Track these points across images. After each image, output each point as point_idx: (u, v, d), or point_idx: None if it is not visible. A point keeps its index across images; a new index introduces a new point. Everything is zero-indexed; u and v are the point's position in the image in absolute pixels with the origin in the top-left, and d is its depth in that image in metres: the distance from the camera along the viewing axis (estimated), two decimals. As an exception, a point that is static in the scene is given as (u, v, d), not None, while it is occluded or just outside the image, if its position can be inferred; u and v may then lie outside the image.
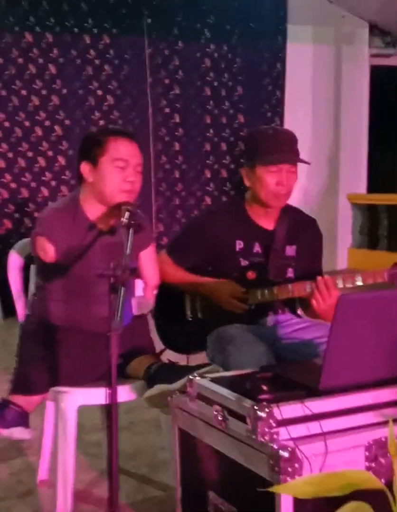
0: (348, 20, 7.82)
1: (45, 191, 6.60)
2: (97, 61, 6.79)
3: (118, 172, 2.52)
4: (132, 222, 2.26)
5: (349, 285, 2.58)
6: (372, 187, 8.31)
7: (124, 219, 2.28)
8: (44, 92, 6.56)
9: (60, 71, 6.62)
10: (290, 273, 2.80)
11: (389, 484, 1.50)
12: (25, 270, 2.93)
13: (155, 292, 2.87)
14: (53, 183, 6.62)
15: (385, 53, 8.19)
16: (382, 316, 1.98)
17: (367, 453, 1.88)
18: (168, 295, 2.89)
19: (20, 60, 6.45)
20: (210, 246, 2.78)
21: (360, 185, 8.24)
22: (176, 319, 2.88)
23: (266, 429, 1.82)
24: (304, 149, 2.79)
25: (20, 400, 2.55)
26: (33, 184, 6.55)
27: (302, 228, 2.85)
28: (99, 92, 6.81)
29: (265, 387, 1.97)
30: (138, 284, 2.85)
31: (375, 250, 7.94)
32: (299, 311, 2.88)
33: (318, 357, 2.47)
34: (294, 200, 2.85)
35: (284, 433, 1.83)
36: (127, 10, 6.84)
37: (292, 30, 7.58)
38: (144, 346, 2.71)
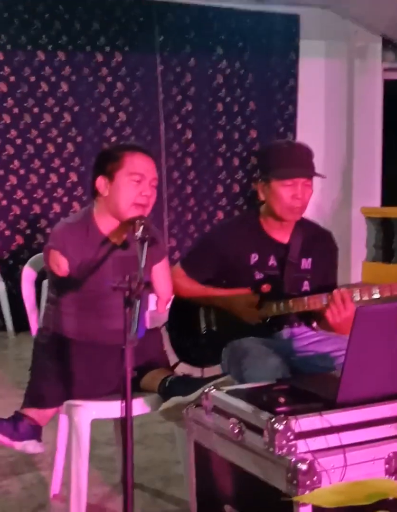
0: (361, 34, 7.84)
1: (57, 207, 6.62)
2: (109, 79, 6.83)
3: (134, 186, 2.53)
4: (146, 236, 2.27)
5: (365, 298, 2.55)
6: (386, 200, 8.29)
7: (138, 233, 2.29)
8: (56, 109, 6.59)
9: (72, 88, 6.66)
10: (306, 286, 2.79)
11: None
12: (37, 285, 2.93)
13: (168, 306, 2.86)
14: (65, 199, 6.65)
15: (397, 67, 8.21)
16: (400, 327, 1.96)
17: (387, 466, 1.86)
18: (182, 308, 2.88)
19: (33, 78, 6.49)
20: (225, 259, 2.77)
21: (374, 199, 8.22)
22: (190, 332, 2.87)
23: (284, 442, 1.80)
24: (317, 163, 2.78)
25: (34, 413, 2.55)
26: (45, 200, 6.57)
27: (318, 241, 2.84)
28: (112, 109, 6.84)
29: (282, 400, 1.95)
30: (151, 298, 2.84)
31: (389, 264, 7.90)
32: (314, 324, 2.86)
33: (333, 370, 2.45)
34: (308, 214, 2.83)
35: (302, 445, 1.81)
36: (139, 28, 6.90)
37: (304, 45, 7.63)
38: (158, 359, 2.70)
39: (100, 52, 6.78)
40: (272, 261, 2.77)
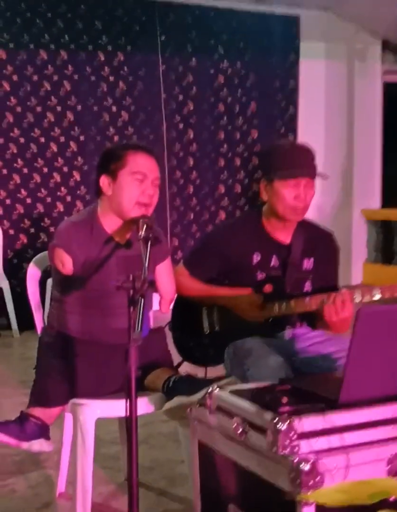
0: (361, 36, 7.85)
1: (60, 206, 6.63)
2: (111, 78, 6.84)
3: (137, 185, 2.55)
4: (149, 235, 2.28)
5: (367, 299, 2.57)
6: (386, 202, 8.30)
7: (141, 232, 2.30)
8: (59, 108, 6.60)
9: (75, 88, 6.67)
10: (307, 286, 2.81)
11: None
12: (41, 283, 2.95)
13: (171, 306, 2.88)
14: (68, 198, 6.66)
15: (397, 69, 8.22)
16: (402, 329, 1.98)
17: (389, 467, 1.87)
18: (186, 308, 2.90)
19: (35, 77, 6.50)
20: (227, 259, 2.79)
21: (374, 200, 8.23)
22: (194, 332, 2.89)
23: (287, 442, 1.81)
24: (318, 164, 2.80)
25: (39, 412, 2.56)
26: (48, 200, 6.59)
27: (319, 242, 2.86)
28: (114, 109, 6.86)
29: (285, 400, 1.97)
30: (154, 298, 2.86)
31: (390, 265, 7.92)
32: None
33: (335, 371, 2.47)
34: (308, 215, 2.85)
35: (304, 445, 1.82)
36: (141, 28, 6.91)
37: (304, 46, 7.65)
38: (161, 358, 2.72)
39: (102, 51, 6.79)
40: (274, 262, 2.79)
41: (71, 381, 2.56)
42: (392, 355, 1.98)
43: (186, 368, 2.78)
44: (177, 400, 2.41)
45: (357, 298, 2.56)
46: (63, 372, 2.57)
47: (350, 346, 1.91)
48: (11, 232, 6.47)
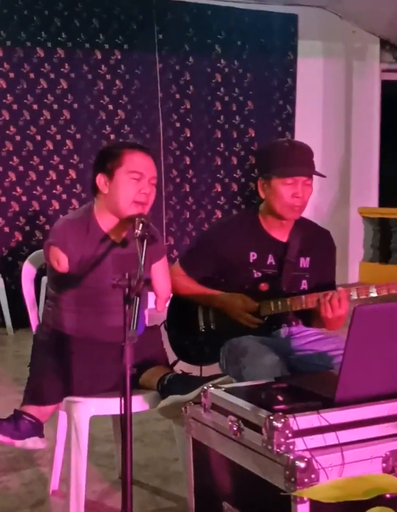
0: (359, 35, 7.87)
1: (56, 204, 6.63)
2: (108, 76, 6.84)
3: (133, 184, 2.54)
4: (146, 233, 2.28)
5: (363, 297, 2.58)
6: (383, 201, 8.32)
7: (138, 231, 2.29)
8: (55, 106, 6.60)
9: (72, 86, 6.67)
10: (304, 285, 2.80)
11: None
12: (36, 281, 2.94)
13: (166, 305, 2.87)
14: (64, 196, 6.66)
15: (395, 68, 8.22)
16: (398, 326, 1.98)
17: (384, 465, 1.87)
18: (181, 306, 2.89)
19: (32, 75, 6.50)
20: (223, 257, 2.78)
21: (371, 199, 8.25)
22: (189, 331, 2.88)
23: (282, 440, 1.81)
24: (315, 163, 2.80)
25: (33, 410, 2.55)
26: (44, 197, 6.59)
27: (316, 240, 2.85)
28: (110, 107, 6.85)
29: (280, 398, 1.97)
30: (150, 297, 2.85)
31: (386, 264, 7.93)
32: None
33: (331, 369, 2.47)
34: (305, 214, 2.85)
35: (300, 443, 1.82)
36: (138, 26, 6.91)
37: (302, 45, 7.65)
38: (157, 357, 2.71)
39: (99, 49, 6.79)
40: (271, 260, 2.79)
41: (65, 379, 2.55)
42: (388, 353, 1.98)
43: (181, 366, 2.77)
44: (171, 399, 2.41)
45: (354, 296, 2.57)
46: (57, 370, 2.56)
47: (346, 344, 1.91)
48: (6, 229, 6.47)
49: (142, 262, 2.17)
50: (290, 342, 2.78)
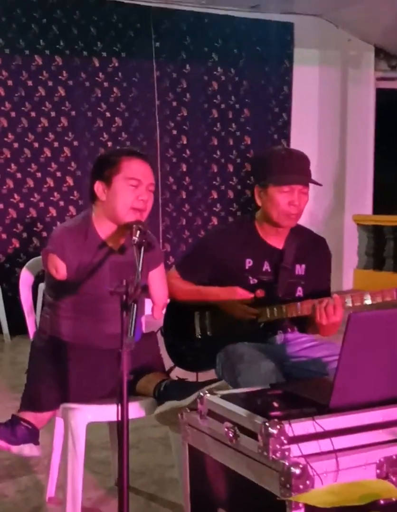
0: (354, 43, 7.91)
1: (53, 211, 6.64)
2: (106, 84, 6.87)
3: (131, 190, 2.56)
4: (143, 240, 2.29)
5: (357, 304, 2.59)
6: (378, 208, 8.34)
7: (135, 238, 2.30)
8: (53, 114, 6.62)
9: (69, 93, 6.69)
10: (299, 292, 2.81)
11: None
12: (33, 288, 2.95)
13: (163, 311, 2.88)
14: (61, 203, 6.67)
15: (390, 76, 8.27)
16: (393, 333, 1.99)
17: (378, 471, 1.87)
18: (178, 312, 2.90)
19: (30, 83, 6.52)
20: (219, 264, 2.79)
21: (366, 206, 8.27)
22: (186, 337, 2.89)
23: (278, 446, 1.81)
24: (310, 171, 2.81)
25: (30, 416, 2.56)
26: (41, 204, 6.60)
27: (312, 247, 2.87)
28: (108, 114, 6.88)
29: (276, 404, 1.98)
30: (147, 303, 2.86)
31: (381, 271, 7.94)
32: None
33: (326, 376, 2.48)
34: (301, 221, 2.86)
35: (295, 450, 1.83)
36: (135, 34, 6.94)
37: (298, 53, 7.68)
38: (153, 363, 2.72)
39: (97, 57, 6.82)
40: (266, 267, 2.80)
41: (62, 385, 2.56)
42: (383, 360, 1.99)
43: (178, 373, 2.78)
44: (168, 405, 2.42)
45: (348, 303, 2.59)
46: (54, 377, 2.57)
47: (341, 350, 1.92)
48: (4, 236, 6.47)
49: (140, 269, 2.17)
50: (285, 349, 2.79)
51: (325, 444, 1.86)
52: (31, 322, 2.87)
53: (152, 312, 2.77)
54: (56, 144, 6.62)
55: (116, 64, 6.89)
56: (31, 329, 2.85)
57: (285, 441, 1.82)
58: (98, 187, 2.59)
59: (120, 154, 2.65)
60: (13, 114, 6.45)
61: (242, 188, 7.50)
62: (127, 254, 2.55)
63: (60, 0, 6.61)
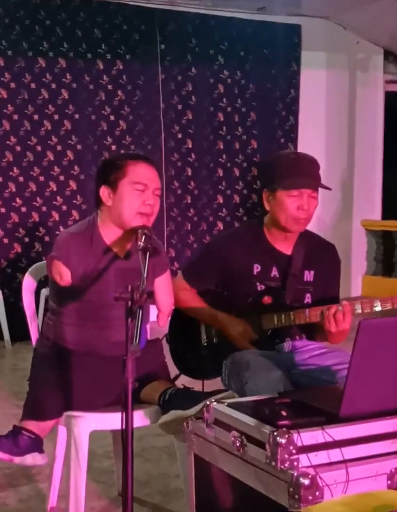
0: (362, 46, 7.87)
1: (55, 215, 6.60)
2: (110, 87, 6.84)
3: (137, 195, 2.52)
4: (148, 245, 2.26)
5: (367, 311, 2.56)
6: (387, 213, 8.29)
7: (140, 243, 2.28)
8: (56, 117, 6.59)
9: (73, 96, 6.66)
10: (308, 298, 2.78)
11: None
12: (36, 293, 2.91)
13: (168, 319, 2.84)
14: (64, 207, 6.63)
15: (399, 79, 8.23)
16: (404, 341, 1.95)
17: (389, 482, 1.84)
18: (183, 320, 2.86)
19: (33, 85, 6.49)
20: (226, 269, 2.76)
21: (374, 211, 8.22)
22: (191, 344, 2.86)
23: (286, 456, 1.78)
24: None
25: (33, 425, 2.52)
26: (44, 208, 6.56)
27: (320, 253, 2.83)
28: (112, 117, 6.84)
29: (284, 413, 1.94)
30: (152, 310, 2.82)
31: (390, 277, 7.89)
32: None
33: (335, 384, 2.44)
34: (308, 226, 2.82)
35: (304, 460, 1.79)
36: (140, 36, 6.91)
37: (306, 56, 7.65)
38: (158, 371, 2.68)
39: (101, 59, 6.78)
40: (274, 272, 2.76)
41: (66, 393, 2.52)
42: (393, 368, 1.95)
43: (183, 380, 2.74)
44: (172, 414, 2.38)
45: (358, 310, 2.56)
46: (58, 384, 2.53)
47: (351, 358, 1.89)
48: (6, 241, 6.42)
49: (145, 274, 2.14)
50: (293, 357, 2.75)
51: (334, 454, 1.83)
52: (34, 328, 2.83)
53: (157, 320, 2.73)
54: (59, 148, 6.58)
55: (121, 67, 6.86)
56: (34, 335, 2.82)
57: (294, 451, 1.79)
58: (104, 192, 2.56)
59: (125, 158, 2.62)
60: (15, 116, 6.41)
61: (248, 192, 7.45)
62: (133, 260, 2.52)
63: (64, 2, 6.58)
